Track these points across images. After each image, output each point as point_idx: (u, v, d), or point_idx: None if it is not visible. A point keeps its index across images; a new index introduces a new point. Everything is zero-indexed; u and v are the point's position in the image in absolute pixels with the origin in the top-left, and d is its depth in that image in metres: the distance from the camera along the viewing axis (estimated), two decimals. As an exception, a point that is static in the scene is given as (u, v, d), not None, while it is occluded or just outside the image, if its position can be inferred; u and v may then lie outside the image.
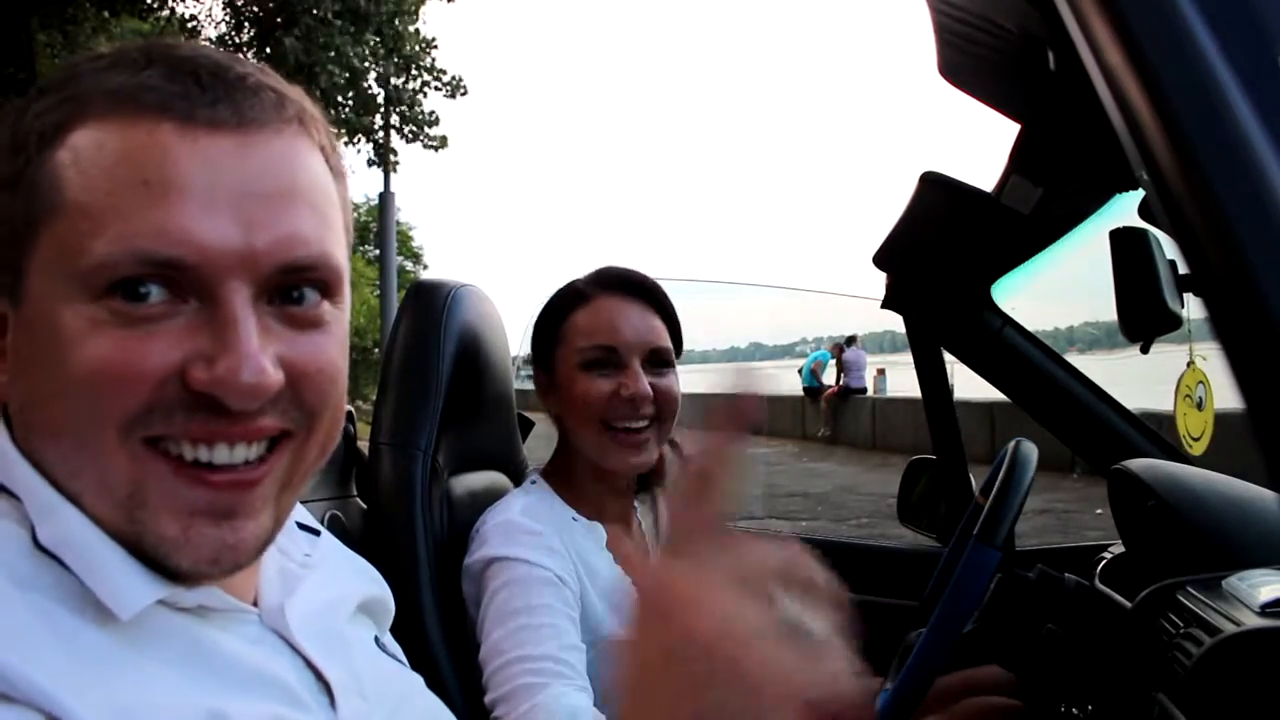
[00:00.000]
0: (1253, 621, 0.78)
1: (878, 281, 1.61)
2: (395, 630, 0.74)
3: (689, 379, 1.19)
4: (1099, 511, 5.68)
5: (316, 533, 0.67)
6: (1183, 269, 0.46)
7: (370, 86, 12.65)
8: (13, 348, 0.49)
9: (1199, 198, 0.42)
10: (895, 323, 1.69)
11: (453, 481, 1.16)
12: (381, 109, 12.79)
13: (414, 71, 13.06)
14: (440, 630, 1.05)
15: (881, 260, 1.51)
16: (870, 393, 13.47)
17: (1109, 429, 1.51)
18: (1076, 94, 0.77)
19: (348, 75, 11.55)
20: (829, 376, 13.66)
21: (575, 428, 1.14)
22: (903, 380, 12.00)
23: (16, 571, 0.46)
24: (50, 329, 0.47)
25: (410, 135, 13.15)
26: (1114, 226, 0.70)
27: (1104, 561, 1.25)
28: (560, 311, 1.16)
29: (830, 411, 13.12)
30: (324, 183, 0.53)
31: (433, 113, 13.29)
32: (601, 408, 1.10)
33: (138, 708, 0.45)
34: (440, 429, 1.12)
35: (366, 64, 12.07)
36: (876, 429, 12.05)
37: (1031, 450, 1.12)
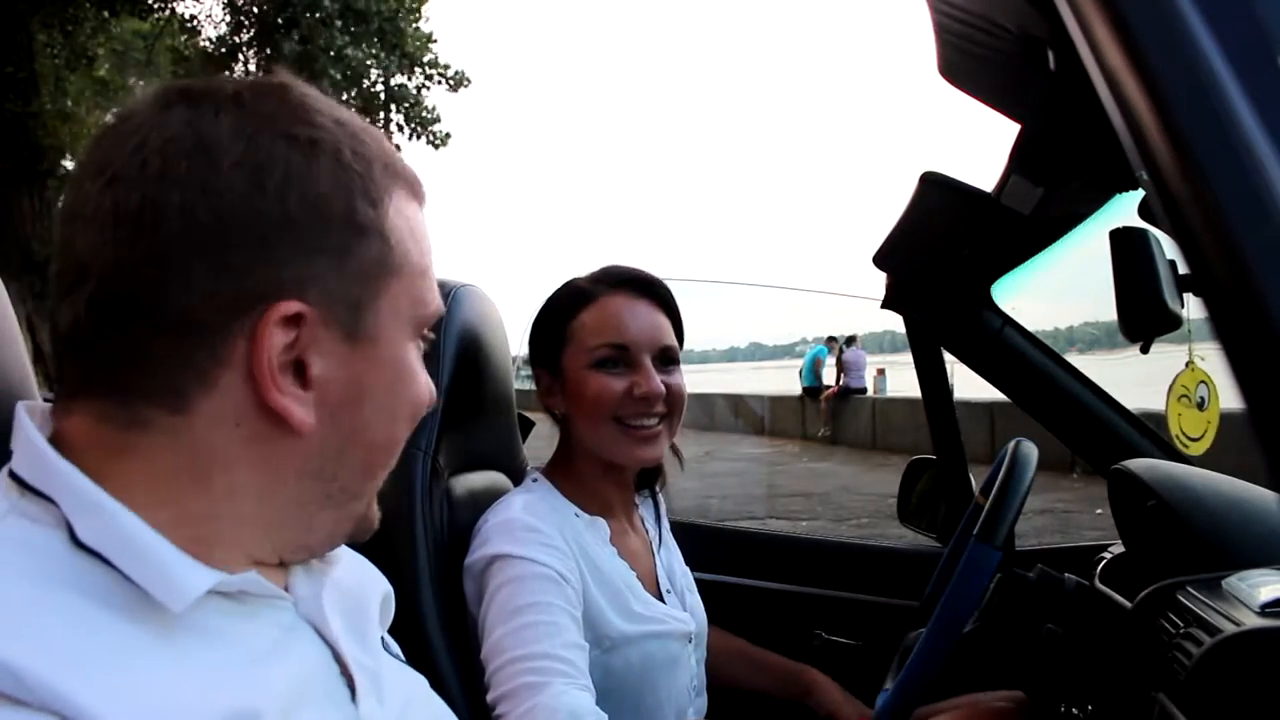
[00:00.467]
0: (1253, 621, 0.79)
1: (878, 281, 1.61)
2: (395, 630, 0.74)
3: (690, 379, 1.19)
4: (1099, 511, 5.68)
5: None
6: (1183, 269, 0.46)
7: (372, 85, 12.66)
8: (348, 378, 0.54)
9: (1199, 198, 0.42)
10: (895, 323, 1.69)
11: (453, 481, 1.16)
12: (383, 107, 12.80)
13: (415, 69, 13.07)
14: (440, 630, 1.05)
15: (881, 260, 1.51)
16: (870, 393, 13.46)
17: (1109, 429, 1.51)
18: (1076, 94, 0.77)
19: (348, 75, 11.56)
20: (828, 376, 13.65)
21: (585, 426, 1.14)
22: (903, 380, 12.00)
23: (54, 569, 0.46)
24: (400, 365, 0.57)
25: (414, 133, 13.16)
26: (1114, 226, 0.70)
27: (1104, 561, 1.26)
28: (565, 311, 1.16)
29: (830, 411, 13.11)
30: None
31: (434, 108, 13.29)
32: (615, 406, 1.11)
33: (167, 704, 0.45)
34: (441, 429, 1.12)
35: (369, 63, 12.09)
36: (876, 429, 12.05)
37: (1031, 450, 1.12)
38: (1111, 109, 0.45)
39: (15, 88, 10.03)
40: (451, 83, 13.28)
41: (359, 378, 0.55)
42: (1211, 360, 0.94)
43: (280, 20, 11.27)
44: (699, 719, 1.19)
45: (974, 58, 0.90)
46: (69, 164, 10.26)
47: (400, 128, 13.10)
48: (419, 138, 13.21)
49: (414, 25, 12.84)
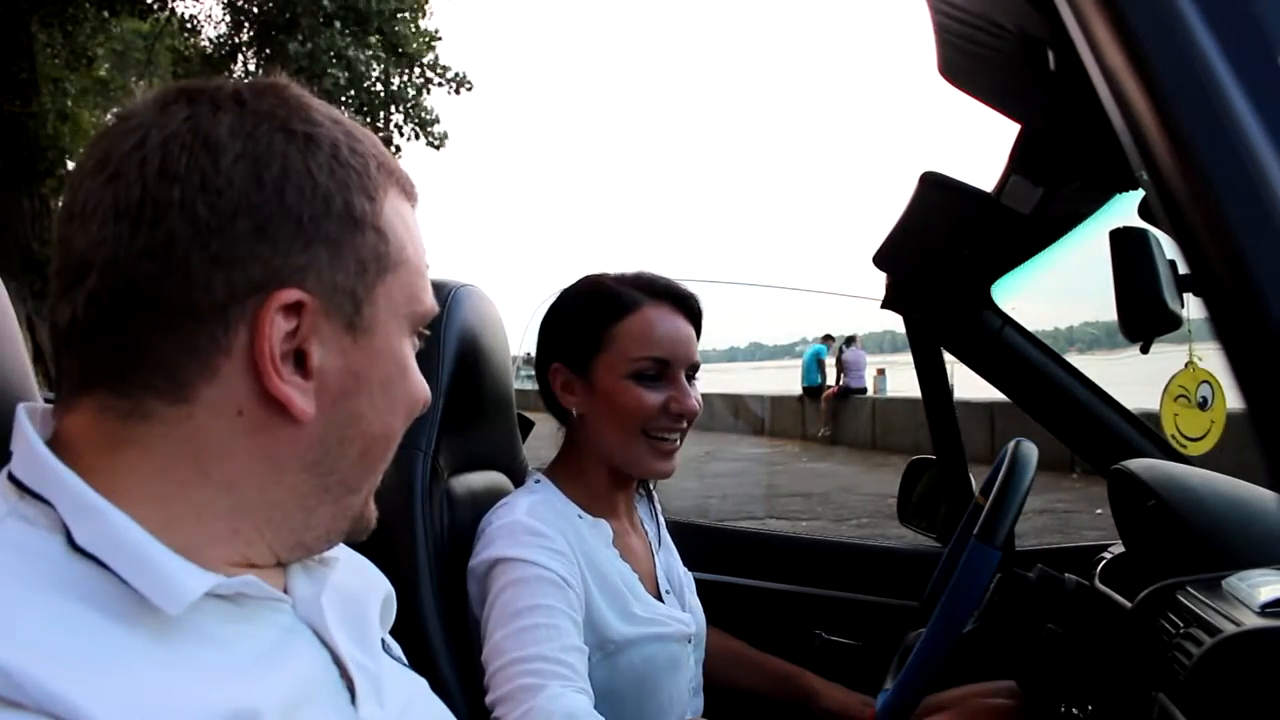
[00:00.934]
0: (1253, 621, 0.79)
1: (878, 281, 1.61)
2: (395, 631, 0.74)
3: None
4: (1099, 511, 5.68)
5: None
6: (1183, 269, 0.46)
7: (372, 85, 12.66)
8: (347, 369, 0.55)
9: (1199, 198, 0.42)
10: (895, 323, 1.69)
11: (453, 482, 1.16)
12: (383, 107, 12.80)
13: (415, 69, 13.06)
14: (440, 631, 1.04)
15: (881, 260, 1.51)
16: (870, 393, 13.47)
17: (1109, 429, 1.51)
18: (1076, 94, 0.77)
19: (349, 75, 11.57)
20: (828, 376, 13.66)
21: (610, 433, 1.14)
22: (903, 380, 12.01)
23: (51, 572, 0.47)
24: (397, 358, 0.58)
25: (413, 134, 13.16)
26: (1114, 226, 0.70)
27: (1104, 561, 1.26)
28: (603, 315, 1.14)
29: (830, 411, 13.12)
30: None
31: (434, 109, 13.29)
32: (647, 417, 1.12)
33: (163, 707, 0.45)
34: (440, 429, 1.11)
35: (370, 64, 12.09)
36: (876, 429, 12.05)
37: (1031, 450, 1.12)
38: (1111, 109, 0.45)
39: (15, 88, 10.03)
40: (452, 84, 13.27)
41: (357, 369, 0.55)
42: (1211, 360, 0.94)
43: (281, 20, 11.27)
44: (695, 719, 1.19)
45: (974, 58, 0.90)
46: (69, 164, 10.26)
47: (399, 128, 13.09)
48: (418, 138, 13.21)
49: (415, 25, 12.83)
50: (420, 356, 0.62)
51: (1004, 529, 1.02)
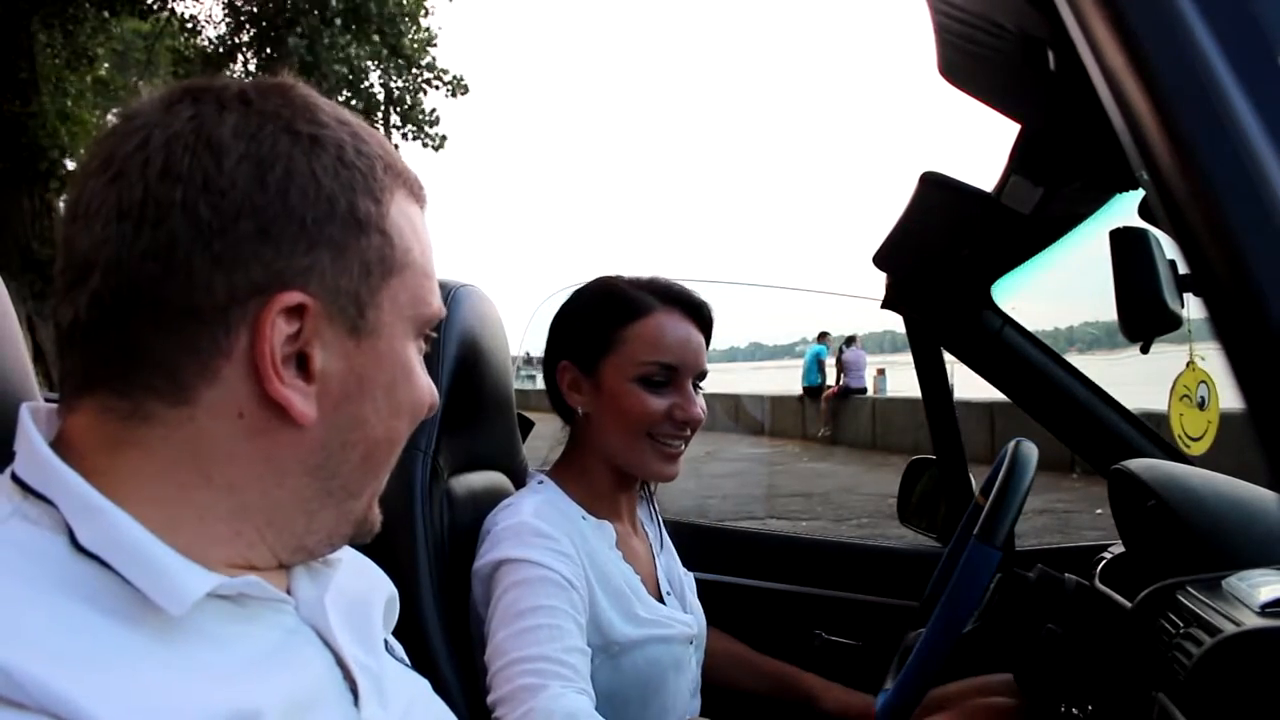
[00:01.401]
0: (1253, 621, 0.79)
1: (878, 281, 1.61)
2: (395, 631, 0.74)
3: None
4: (1099, 511, 5.68)
5: None
6: (1183, 269, 0.46)
7: (371, 86, 12.65)
8: (350, 372, 0.55)
9: (1199, 198, 0.42)
10: (895, 323, 1.69)
11: (453, 482, 1.16)
12: (382, 108, 12.79)
13: (414, 71, 13.06)
14: (441, 631, 1.04)
15: (881, 260, 1.51)
16: (870, 393, 13.47)
17: (1109, 429, 1.51)
18: (1076, 94, 0.77)
19: (349, 75, 11.56)
20: (829, 376, 13.68)
21: (612, 433, 1.14)
22: (903, 380, 12.01)
23: (54, 573, 0.47)
24: (401, 362, 0.58)
25: (411, 134, 13.15)
26: (1114, 226, 0.70)
27: (1104, 561, 1.26)
28: (613, 317, 1.14)
29: (830, 411, 13.12)
30: None
31: (433, 110, 13.28)
32: (652, 422, 1.12)
33: (165, 707, 0.45)
34: (441, 429, 1.12)
35: (368, 64, 12.09)
36: (876, 429, 12.05)
37: (1031, 450, 1.12)
38: (1111, 109, 0.45)
39: (15, 88, 10.02)
40: (449, 87, 13.27)
41: (361, 372, 0.55)
42: (1211, 360, 0.94)
43: (282, 20, 11.26)
44: None
45: (974, 58, 0.90)
46: (69, 164, 10.25)
47: (397, 129, 13.09)
48: (416, 139, 13.20)
49: (414, 27, 12.83)
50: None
51: (1004, 529, 1.02)
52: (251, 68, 11.93)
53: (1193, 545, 1.05)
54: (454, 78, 13.28)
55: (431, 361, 1.09)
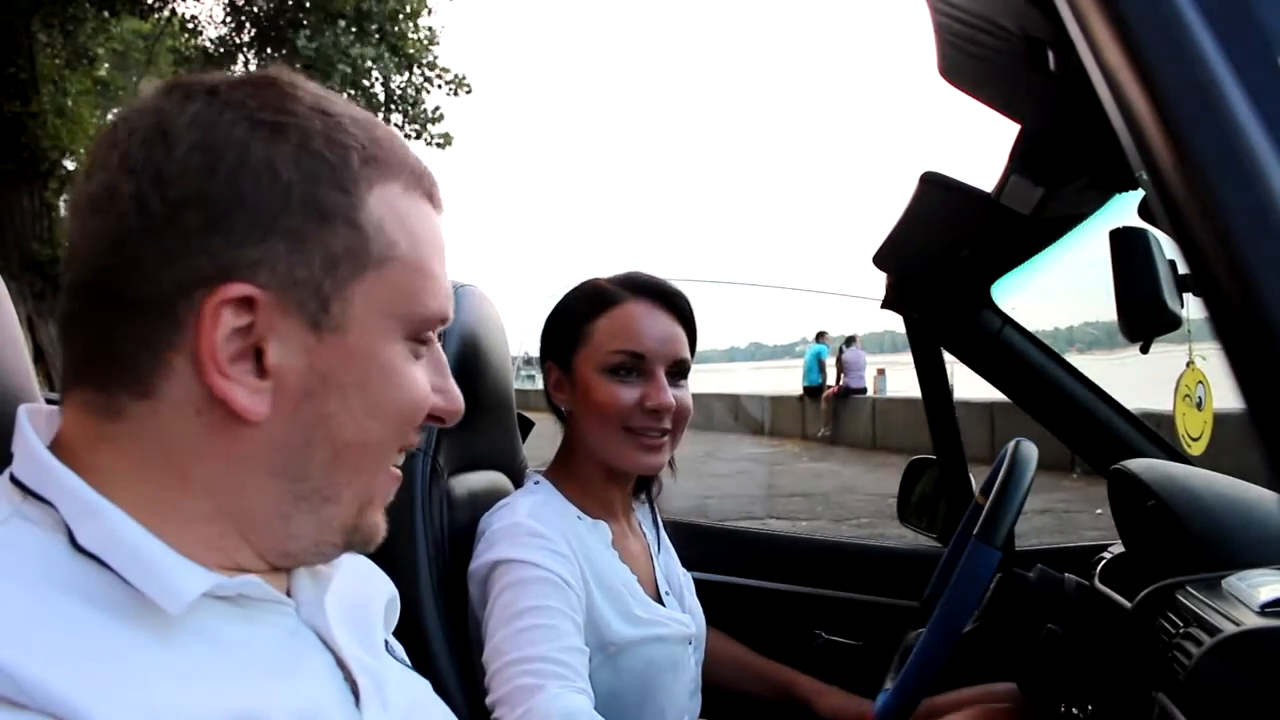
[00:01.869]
0: (1253, 621, 0.79)
1: (878, 281, 1.61)
2: (396, 631, 0.74)
3: (690, 379, 1.19)
4: (1099, 511, 5.68)
5: None
6: (1183, 269, 0.46)
7: (372, 85, 12.65)
8: (309, 369, 0.52)
9: (1199, 198, 0.42)
10: (895, 323, 1.69)
11: (453, 481, 1.16)
12: (384, 107, 12.79)
13: (415, 70, 13.06)
14: (441, 631, 1.04)
15: (881, 260, 1.51)
16: (870, 393, 13.47)
17: (1109, 429, 1.51)
18: (1076, 94, 0.77)
19: (352, 75, 11.57)
20: (829, 376, 13.69)
21: (591, 428, 1.14)
22: (903, 380, 12.01)
23: (54, 573, 0.47)
24: (376, 359, 0.54)
25: (413, 133, 13.14)
26: (1114, 226, 0.70)
27: (1104, 561, 1.26)
28: (585, 311, 1.15)
29: (830, 411, 13.13)
30: None
31: (437, 109, 13.27)
32: (624, 415, 1.11)
33: (166, 707, 0.45)
34: (440, 429, 1.11)
35: (370, 63, 12.09)
36: (876, 429, 12.05)
37: (1031, 450, 1.12)
38: (1111, 109, 0.45)
39: (15, 88, 10.02)
40: (451, 86, 13.26)
41: (324, 369, 0.52)
42: (1211, 360, 0.94)
43: (285, 19, 11.27)
44: None
45: (974, 58, 0.90)
46: (69, 164, 10.26)
47: (399, 128, 13.07)
48: (419, 138, 13.20)
49: (415, 26, 12.83)
50: None
51: (1004, 529, 1.02)
52: (253, 68, 11.93)
53: (1192, 545, 1.05)
54: (456, 76, 13.29)
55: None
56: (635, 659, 1.09)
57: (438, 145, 13.29)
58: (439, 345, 0.60)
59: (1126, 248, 0.68)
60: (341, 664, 0.58)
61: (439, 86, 13.26)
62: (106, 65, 13.80)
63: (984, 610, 1.12)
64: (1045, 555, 1.53)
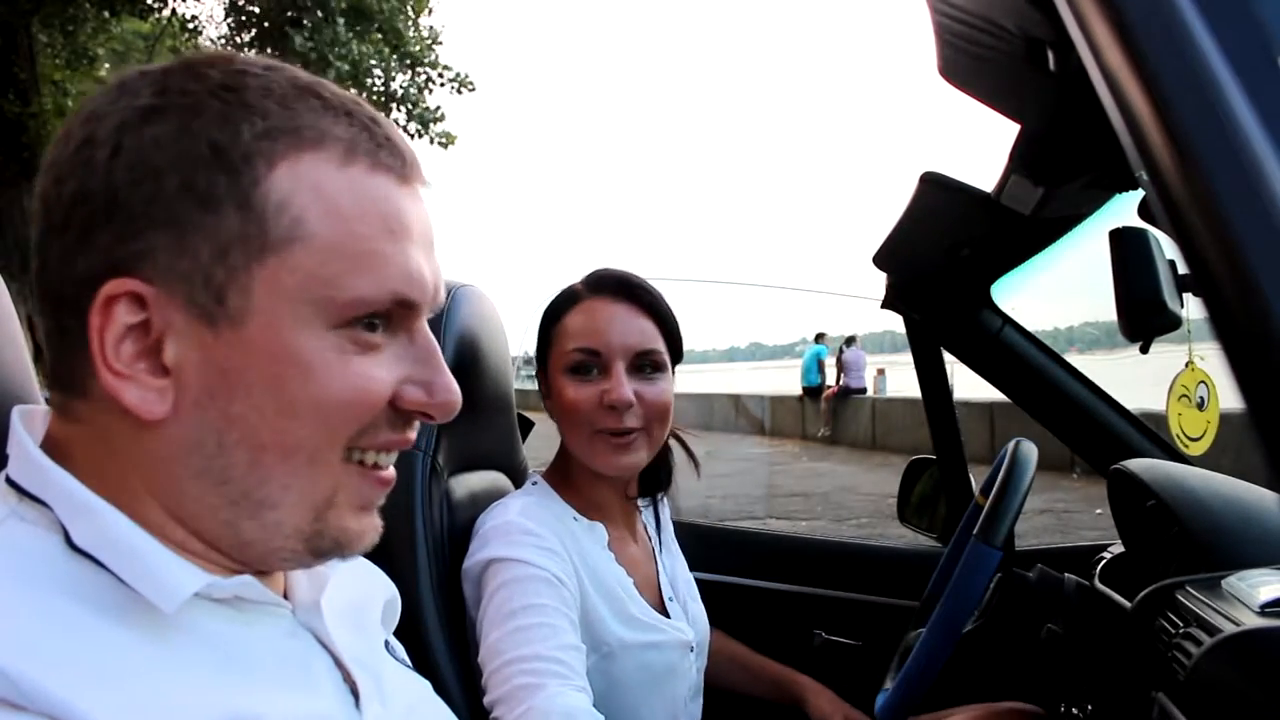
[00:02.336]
0: (1252, 621, 0.79)
1: (878, 281, 1.61)
2: (396, 631, 0.74)
3: (690, 379, 1.19)
4: (1099, 511, 5.68)
5: None
6: (1183, 269, 0.46)
7: (374, 84, 12.66)
8: (207, 364, 0.49)
9: (1199, 198, 0.42)
10: (895, 323, 1.69)
11: (453, 481, 1.16)
12: (384, 107, 12.80)
13: (418, 69, 13.07)
14: (441, 631, 1.04)
15: (881, 260, 1.51)
16: (870, 393, 13.48)
17: (1109, 429, 1.51)
18: (1076, 94, 0.77)
19: (352, 72, 11.56)
20: (829, 376, 13.70)
21: (567, 432, 1.14)
22: (903, 380, 12.02)
23: (51, 574, 0.47)
24: (287, 353, 0.49)
25: (416, 132, 13.15)
26: (1114, 226, 0.70)
27: (1104, 561, 1.26)
28: (554, 314, 1.16)
29: (830, 411, 13.13)
30: None
31: (438, 108, 13.28)
32: (587, 413, 1.09)
33: (163, 709, 0.45)
34: (440, 429, 1.11)
35: (370, 61, 12.09)
36: (876, 429, 12.05)
37: (1031, 450, 1.12)
38: (1111, 109, 0.45)
39: (15, 88, 10.03)
40: (453, 85, 13.28)
41: (223, 365, 0.49)
42: (1211, 360, 0.94)
43: (285, 19, 11.28)
44: None
45: (974, 58, 0.90)
46: (69, 164, 10.26)
47: (403, 126, 13.08)
48: (422, 137, 13.21)
49: (416, 25, 12.84)
50: None
51: (1004, 529, 1.02)
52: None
53: (1192, 545, 1.05)
54: (458, 75, 13.30)
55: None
56: (630, 663, 1.08)
57: (440, 144, 13.30)
58: (426, 334, 0.55)
59: (1126, 248, 0.68)
60: (340, 665, 0.58)
61: (441, 85, 13.27)
62: (107, 66, 13.79)
63: (984, 610, 1.12)
64: (1045, 555, 1.53)
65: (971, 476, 1.67)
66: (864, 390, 13.39)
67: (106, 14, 11.29)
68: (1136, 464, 1.19)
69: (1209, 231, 0.42)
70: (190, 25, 12.37)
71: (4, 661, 0.42)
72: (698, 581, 1.29)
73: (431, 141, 13.24)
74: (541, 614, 0.98)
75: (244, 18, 12.09)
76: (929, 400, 1.70)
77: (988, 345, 1.55)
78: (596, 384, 1.10)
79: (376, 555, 0.73)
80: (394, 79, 12.88)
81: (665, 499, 1.30)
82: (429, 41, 13.06)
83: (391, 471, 0.56)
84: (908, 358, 1.70)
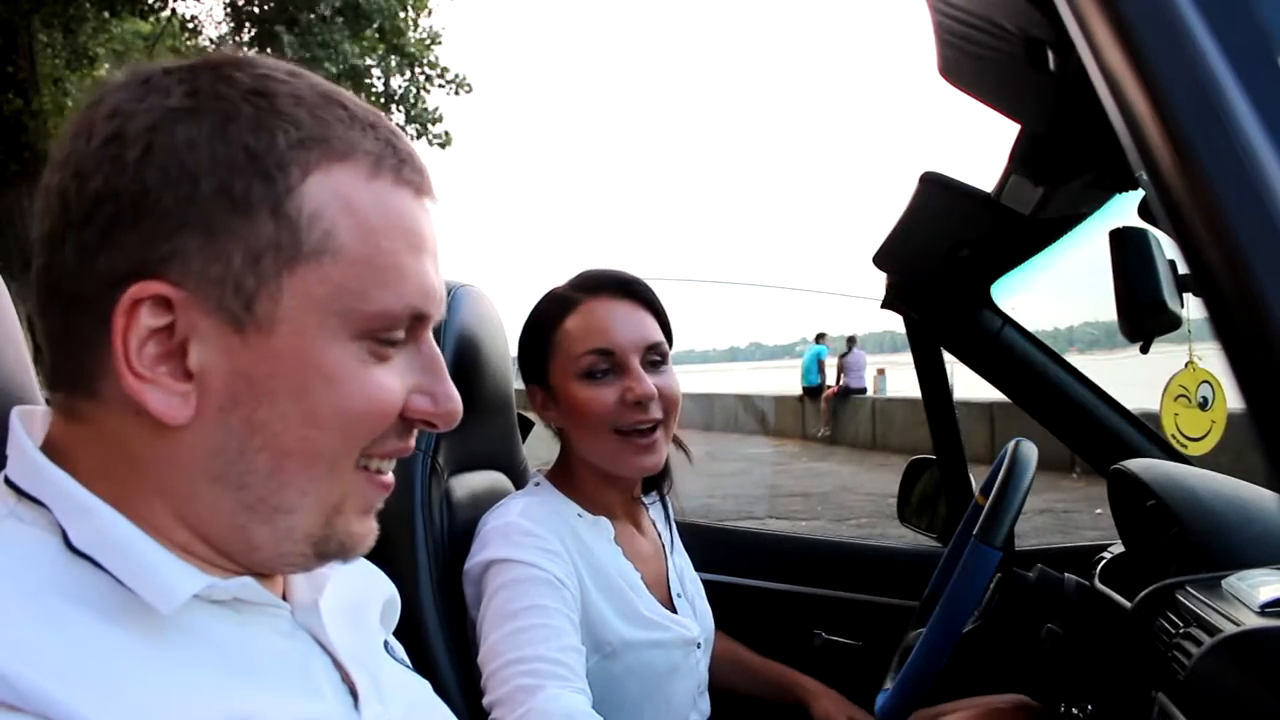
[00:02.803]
0: (1252, 621, 0.79)
1: (878, 281, 1.61)
2: (396, 632, 0.74)
3: (690, 379, 1.19)
4: (1099, 511, 5.68)
5: None
6: (1183, 269, 0.46)
7: (373, 84, 12.66)
8: (234, 371, 0.49)
9: (1199, 198, 0.42)
10: (895, 323, 1.69)
11: (453, 482, 1.16)
12: (384, 108, 12.80)
13: (416, 69, 13.08)
14: (441, 631, 1.05)
15: (881, 260, 1.51)
16: (870, 393, 13.49)
17: (1109, 429, 1.51)
18: (1076, 94, 0.77)
19: (349, 73, 11.56)
20: (829, 376, 13.71)
21: (584, 439, 1.12)
22: (903, 380, 12.02)
23: (49, 575, 0.47)
24: (313, 362, 0.50)
25: (414, 133, 13.16)
26: (1114, 226, 0.70)
27: (1104, 561, 1.26)
28: (548, 322, 1.13)
29: (830, 411, 13.14)
30: None
31: (437, 109, 13.28)
32: (610, 415, 1.08)
33: (161, 710, 0.45)
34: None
35: (368, 62, 12.09)
36: (876, 429, 12.06)
37: (1031, 450, 1.12)
38: (1111, 109, 0.45)
39: (16, 87, 10.03)
40: (452, 86, 13.28)
41: (249, 372, 0.49)
42: (1211, 360, 0.94)
43: (281, 19, 11.28)
44: None
45: (974, 58, 0.90)
46: (69, 164, 10.25)
47: (401, 127, 13.06)
48: (420, 138, 13.22)
49: (416, 24, 12.85)
50: None
51: (1004, 529, 1.02)
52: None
53: (1192, 545, 1.05)
54: (456, 76, 13.30)
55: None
56: (632, 661, 1.08)
57: (438, 145, 13.31)
58: (431, 344, 0.56)
59: (1126, 248, 0.68)
60: (338, 665, 0.58)
61: (440, 86, 13.28)
62: (107, 65, 13.80)
63: (984, 610, 1.12)
64: (1045, 555, 1.53)
65: (971, 476, 1.67)
66: (864, 390, 13.41)
67: (107, 14, 11.29)
68: (1136, 464, 1.19)
69: (1209, 231, 0.42)
70: (190, 25, 12.37)
71: (1, 663, 0.42)
72: (697, 581, 1.29)
73: (430, 142, 13.24)
74: (542, 615, 0.98)
75: (243, 18, 12.09)
76: (929, 400, 1.70)
77: (988, 345, 1.55)
78: (613, 383, 1.09)
79: (377, 556, 0.72)
80: (393, 79, 12.89)
81: (668, 493, 1.30)
82: (428, 42, 13.07)
83: (391, 476, 0.57)
84: (908, 358, 1.70)
